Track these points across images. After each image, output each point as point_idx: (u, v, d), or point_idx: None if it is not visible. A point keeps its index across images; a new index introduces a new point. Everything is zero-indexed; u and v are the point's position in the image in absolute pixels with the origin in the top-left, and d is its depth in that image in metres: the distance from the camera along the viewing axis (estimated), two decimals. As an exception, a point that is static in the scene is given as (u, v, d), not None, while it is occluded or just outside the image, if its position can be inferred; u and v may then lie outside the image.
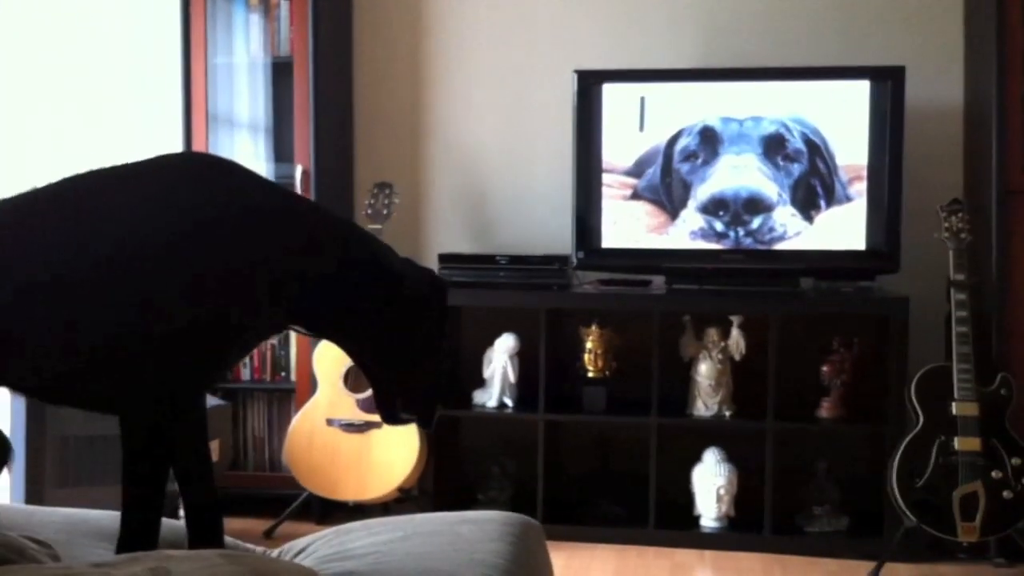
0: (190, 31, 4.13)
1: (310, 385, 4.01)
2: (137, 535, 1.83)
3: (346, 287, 1.82)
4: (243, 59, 4.21)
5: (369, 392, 3.85)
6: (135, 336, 1.73)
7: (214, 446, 3.70)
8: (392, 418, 1.90)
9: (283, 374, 4.19)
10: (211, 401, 3.78)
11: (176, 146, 4.12)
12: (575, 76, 3.97)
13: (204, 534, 1.89)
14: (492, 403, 4.04)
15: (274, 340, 4.18)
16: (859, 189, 3.83)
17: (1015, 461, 3.51)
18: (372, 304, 1.83)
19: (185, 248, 1.74)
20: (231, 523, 1.99)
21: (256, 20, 4.20)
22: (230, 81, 4.23)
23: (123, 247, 1.74)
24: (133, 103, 4.40)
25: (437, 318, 1.88)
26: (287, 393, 4.16)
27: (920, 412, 3.57)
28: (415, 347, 1.86)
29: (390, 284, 1.84)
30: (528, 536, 1.91)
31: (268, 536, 3.92)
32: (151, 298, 1.73)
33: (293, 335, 4.13)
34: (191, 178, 1.80)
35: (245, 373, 4.19)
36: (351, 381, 3.91)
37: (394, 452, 3.85)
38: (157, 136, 4.27)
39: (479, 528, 1.82)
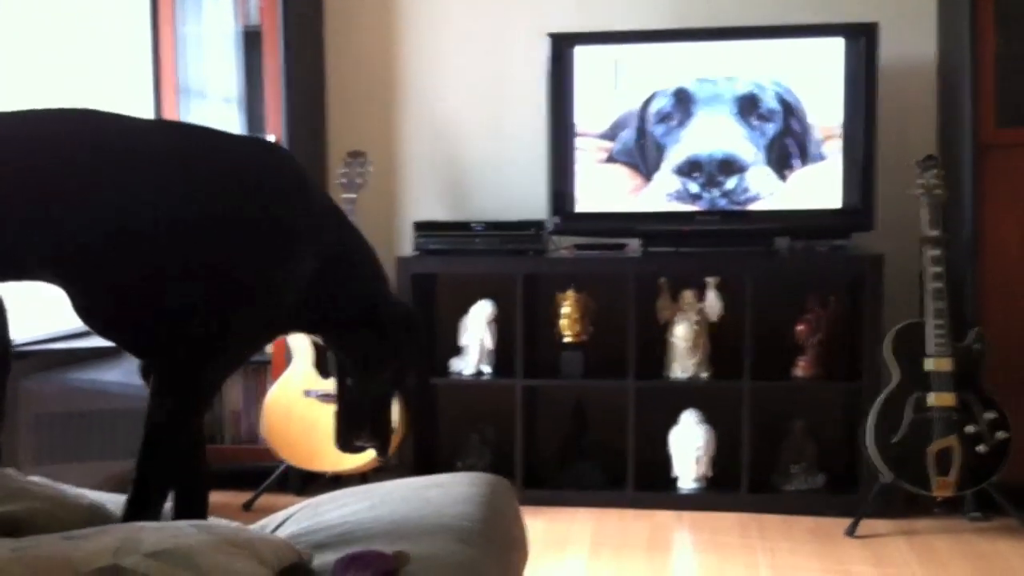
0: (158, 0, 4.08)
1: (285, 357, 3.99)
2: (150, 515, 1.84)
3: (364, 308, 1.93)
4: (212, 28, 4.17)
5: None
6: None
7: (190, 419, 3.68)
8: (349, 445, 1.99)
9: (259, 346, 4.16)
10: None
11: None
12: (548, 40, 3.94)
13: (190, 507, 1.91)
14: (469, 371, 4.04)
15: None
16: (833, 147, 3.83)
17: (989, 415, 3.53)
18: (378, 325, 1.94)
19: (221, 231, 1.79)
20: (210, 497, 2.00)
21: (224, -12, 4.15)
22: (200, 51, 4.19)
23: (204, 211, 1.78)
24: (100, 74, 4.34)
25: (412, 350, 1.99)
26: (263, 366, 4.14)
27: (895, 368, 3.59)
28: (396, 373, 1.97)
29: (396, 309, 1.98)
30: (497, 495, 1.91)
31: (247, 509, 3.92)
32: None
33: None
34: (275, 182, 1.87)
35: (221, 345, 4.16)
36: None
37: (372, 421, 3.84)
38: (126, 108, 4.21)
39: (446, 492, 1.82)
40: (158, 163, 1.81)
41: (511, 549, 1.86)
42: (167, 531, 1.55)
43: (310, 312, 1.91)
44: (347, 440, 1.97)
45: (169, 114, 4.09)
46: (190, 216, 1.78)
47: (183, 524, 1.62)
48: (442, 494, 1.80)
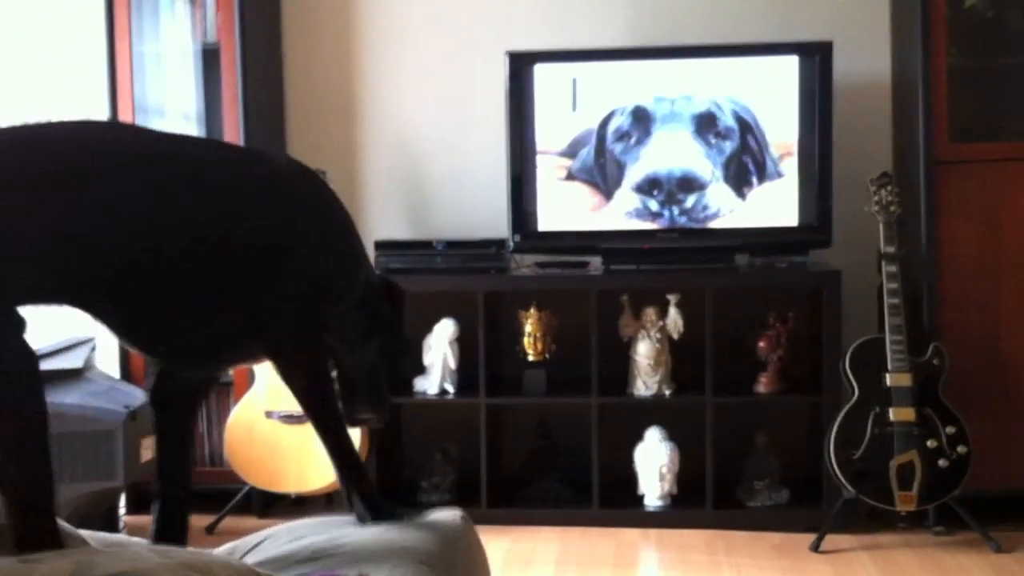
0: (113, 18, 4.05)
1: (248, 377, 3.96)
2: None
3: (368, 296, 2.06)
4: (170, 46, 4.14)
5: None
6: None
7: (149, 442, 3.65)
8: (354, 420, 2.08)
9: (220, 367, 4.12)
10: (145, 397, 3.72)
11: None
12: (507, 58, 3.95)
13: (171, 527, 1.92)
14: (433, 389, 4.02)
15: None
16: (790, 165, 3.86)
17: (949, 430, 3.56)
18: (372, 308, 2.06)
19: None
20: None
21: (182, 6, 4.13)
22: (158, 69, 4.16)
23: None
24: (55, 93, 4.30)
25: (395, 319, 2.12)
26: (225, 386, 4.10)
27: (855, 384, 3.61)
28: (384, 343, 2.09)
29: (376, 283, 2.10)
30: (455, 527, 1.89)
31: (210, 532, 3.87)
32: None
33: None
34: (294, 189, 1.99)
35: (181, 367, 4.12)
36: (289, 371, 3.86)
37: (334, 441, 3.81)
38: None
39: (404, 523, 1.81)
40: (200, 173, 1.86)
41: (472, 572, 1.85)
42: (124, 555, 1.53)
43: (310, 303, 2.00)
44: (349, 415, 2.06)
45: (127, 134, 4.05)
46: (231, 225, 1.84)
47: (140, 548, 1.60)
48: (400, 524, 1.79)
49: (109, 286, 1.72)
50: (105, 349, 4.02)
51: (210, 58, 4.12)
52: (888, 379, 3.57)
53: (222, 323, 1.85)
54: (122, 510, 3.89)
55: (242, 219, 1.85)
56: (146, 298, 1.76)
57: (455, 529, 1.88)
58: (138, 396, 3.66)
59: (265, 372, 3.89)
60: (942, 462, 3.55)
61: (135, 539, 2.11)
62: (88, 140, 1.78)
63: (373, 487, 2.03)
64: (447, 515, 1.99)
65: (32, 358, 1.62)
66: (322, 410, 2.00)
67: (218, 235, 1.81)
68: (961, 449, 3.55)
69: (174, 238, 1.76)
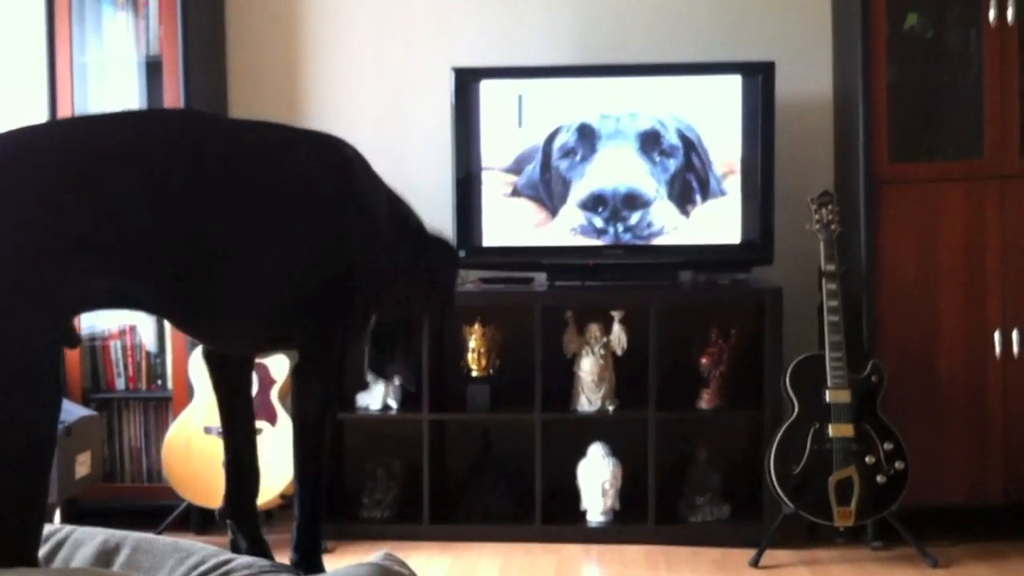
0: (54, 28, 4.00)
1: (187, 393, 3.91)
2: None
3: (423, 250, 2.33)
4: (112, 57, 4.09)
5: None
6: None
7: (84, 458, 3.59)
8: (383, 373, 2.42)
9: (159, 382, 4.08)
10: (81, 412, 3.67)
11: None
12: (452, 74, 3.95)
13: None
14: (376, 405, 4.00)
15: (151, 348, 4.08)
16: (733, 183, 3.89)
17: (887, 446, 3.60)
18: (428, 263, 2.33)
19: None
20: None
21: (124, 17, 4.08)
22: (101, 81, 4.11)
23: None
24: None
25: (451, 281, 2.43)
26: (163, 401, 4.06)
27: (795, 400, 3.64)
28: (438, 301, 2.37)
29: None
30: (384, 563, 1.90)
31: (147, 548, 3.81)
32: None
33: (169, 344, 4.04)
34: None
35: (120, 383, 4.07)
36: (230, 386, 3.82)
37: (275, 458, 3.78)
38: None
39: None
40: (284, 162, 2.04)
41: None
42: (44, 574, 1.51)
43: None
44: (378, 367, 2.35)
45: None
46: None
47: (57, 569, 1.58)
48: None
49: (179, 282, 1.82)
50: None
51: (153, 70, 4.07)
52: (828, 395, 3.61)
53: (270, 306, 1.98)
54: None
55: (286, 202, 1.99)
56: (205, 288, 1.86)
57: (381, 563, 1.87)
58: (74, 412, 3.60)
59: (204, 387, 3.84)
60: (880, 478, 3.59)
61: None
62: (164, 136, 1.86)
63: (320, 547, 2.17)
64: (371, 557, 2.01)
65: (58, 389, 1.74)
66: (310, 459, 2.18)
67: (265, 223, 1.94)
68: (898, 465, 3.59)
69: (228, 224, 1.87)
